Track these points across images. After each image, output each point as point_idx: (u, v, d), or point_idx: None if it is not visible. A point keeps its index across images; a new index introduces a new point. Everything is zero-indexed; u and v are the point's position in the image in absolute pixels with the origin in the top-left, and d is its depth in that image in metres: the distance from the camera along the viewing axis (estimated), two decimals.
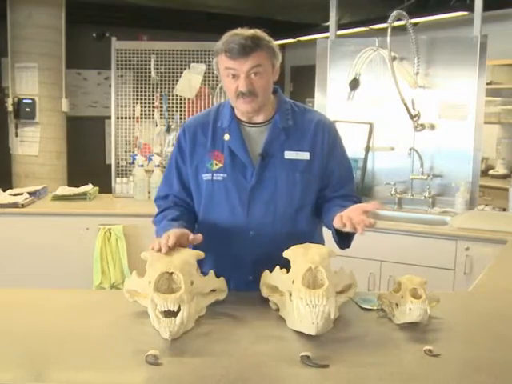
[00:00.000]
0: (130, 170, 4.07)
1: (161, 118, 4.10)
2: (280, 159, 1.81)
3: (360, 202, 1.90)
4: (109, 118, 4.24)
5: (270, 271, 1.66)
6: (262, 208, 1.81)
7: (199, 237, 1.68)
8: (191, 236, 1.67)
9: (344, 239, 1.79)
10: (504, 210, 3.64)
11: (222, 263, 1.83)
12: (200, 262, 1.67)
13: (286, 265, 1.60)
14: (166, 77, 4.04)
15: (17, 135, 5.62)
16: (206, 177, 1.83)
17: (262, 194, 1.81)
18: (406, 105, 3.58)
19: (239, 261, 1.82)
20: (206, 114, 1.94)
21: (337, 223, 1.66)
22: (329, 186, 1.88)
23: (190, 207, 1.91)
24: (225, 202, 1.82)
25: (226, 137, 1.83)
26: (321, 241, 1.93)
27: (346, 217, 1.63)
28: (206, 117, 1.91)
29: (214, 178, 1.82)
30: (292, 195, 1.82)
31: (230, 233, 1.82)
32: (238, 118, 1.85)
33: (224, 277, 1.73)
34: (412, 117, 3.62)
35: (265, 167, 1.81)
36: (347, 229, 1.62)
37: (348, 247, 1.83)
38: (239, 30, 1.74)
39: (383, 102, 3.72)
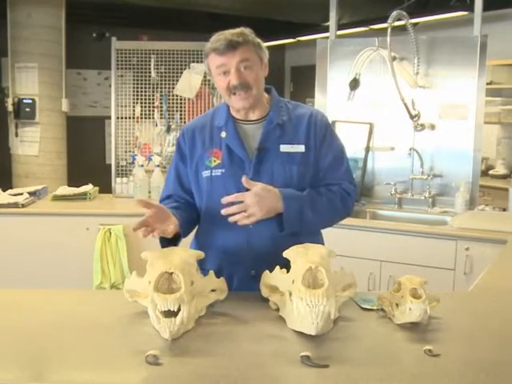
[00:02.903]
0: (130, 170, 4.07)
1: (161, 118, 4.10)
2: (276, 153, 1.85)
3: (347, 189, 1.89)
4: (109, 118, 4.25)
5: (272, 266, 1.66)
6: None
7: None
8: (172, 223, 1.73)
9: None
10: (504, 210, 3.64)
11: (225, 258, 1.87)
12: (203, 259, 1.69)
13: (286, 260, 1.61)
14: (166, 77, 4.04)
15: (17, 135, 5.62)
16: (206, 174, 1.88)
17: None
18: (406, 105, 3.58)
19: (241, 255, 1.85)
20: (203, 117, 2.02)
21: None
22: (319, 174, 1.90)
23: (189, 204, 1.94)
24: (224, 197, 1.83)
25: (223, 134, 1.88)
26: (320, 240, 1.95)
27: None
28: (203, 119, 1.98)
29: (213, 173, 1.86)
30: (289, 188, 1.84)
31: (230, 227, 1.83)
32: (234, 116, 1.90)
33: (227, 273, 1.76)
34: (412, 117, 3.62)
35: (261, 161, 1.84)
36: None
37: (281, 231, 1.82)
38: (225, 31, 1.82)
39: (383, 102, 3.72)
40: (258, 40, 1.84)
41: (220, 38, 1.78)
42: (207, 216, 1.91)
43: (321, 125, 1.91)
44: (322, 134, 1.90)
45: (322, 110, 2.08)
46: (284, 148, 1.85)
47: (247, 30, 1.83)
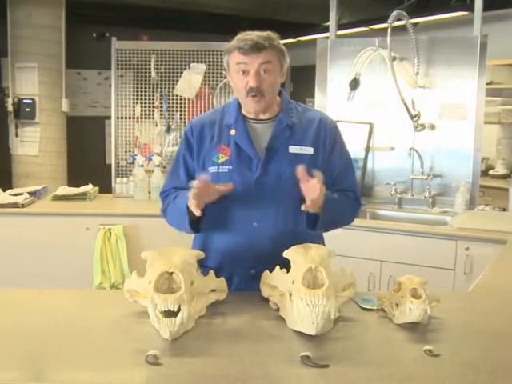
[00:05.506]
0: (130, 170, 4.07)
1: (161, 118, 4.10)
2: (284, 153, 1.86)
3: (357, 197, 1.96)
4: (109, 118, 4.25)
5: (272, 267, 1.66)
6: (266, 200, 1.84)
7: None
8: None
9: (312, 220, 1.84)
10: (504, 210, 3.64)
11: (226, 256, 1.87)
12: (204, 257, 1.69)
13: (287, 261, 1.61)
14: (166, 77, 4.04)
15: (17, 135, 5.62)
16: (212, 170, 1.87)
17: (266, 186, 1.84)
18: (406, 105, 3.58)
19: (242, 253, 1.85)
20: (212, 113, 2.01)
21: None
22: (328, 182, 1.89)
23: None
24: (230, 194, 1.83)
25: (232, 132, 1.88)
26: (320, 240, 1.95)
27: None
28: (212, 115, 1.96)
29: (220, 170, 1.86)
30: (295, 188, 1.84)
31: (234, 224, 1.85)
32: (244, 115, 1.90)
33: (227, 272, 1.76)
34: (412, 117, 3.62)
35: (270, 160, 1.85)
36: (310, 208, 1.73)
37: (315, 229, 1.85)
38: (252, 31, 1.82)
39: (383, 102, 3.71)
40: (283, 47, 1.86)
41: (246, 37, 1.78)
42: (211, 212, 1.87)
43: (330, 130, 1.93)
44: (332, 138, 1.92)
45: (322, 110, 2.09)
46: (293, 149, 1.86)
47: (274, 35, 1.84)
